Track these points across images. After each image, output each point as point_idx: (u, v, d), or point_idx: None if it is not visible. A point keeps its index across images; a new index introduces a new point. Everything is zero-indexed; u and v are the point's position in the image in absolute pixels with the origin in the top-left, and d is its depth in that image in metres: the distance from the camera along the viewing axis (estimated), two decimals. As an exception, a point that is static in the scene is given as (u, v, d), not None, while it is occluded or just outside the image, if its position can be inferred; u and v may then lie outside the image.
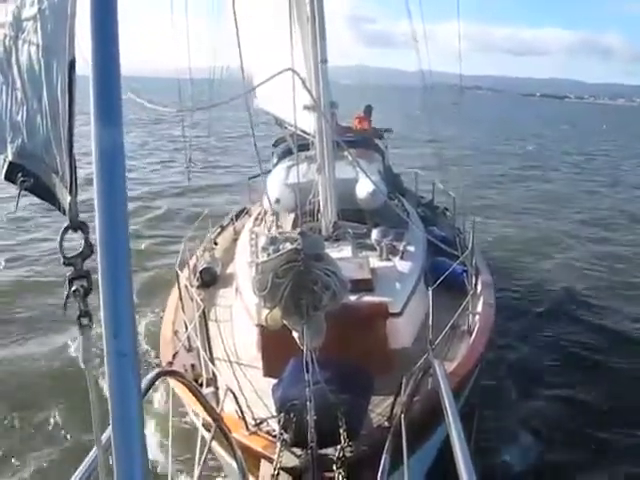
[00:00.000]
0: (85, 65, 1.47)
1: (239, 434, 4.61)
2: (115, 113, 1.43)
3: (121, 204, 1.44)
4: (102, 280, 1.43)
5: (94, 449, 2.33)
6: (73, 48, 1.71)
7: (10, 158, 2.15)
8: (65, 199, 1.81)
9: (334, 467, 4.09)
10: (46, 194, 1.99)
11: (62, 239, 1.73)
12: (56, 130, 1.83)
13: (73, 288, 1.70)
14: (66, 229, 1.74)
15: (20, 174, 2.02)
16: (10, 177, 2.14)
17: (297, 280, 4.20)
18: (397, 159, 16.33)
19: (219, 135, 30.63)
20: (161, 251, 14.69)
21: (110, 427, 1.47)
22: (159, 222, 18.37)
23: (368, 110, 13.17)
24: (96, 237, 1.44)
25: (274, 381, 5.01)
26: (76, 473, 2.43)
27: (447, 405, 2.94)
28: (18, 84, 2.00)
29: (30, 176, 2.02)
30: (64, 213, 1.82)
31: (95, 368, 1.92)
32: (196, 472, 4.03)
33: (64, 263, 1.70)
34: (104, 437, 1.96)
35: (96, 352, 1.84)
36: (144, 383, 3.30)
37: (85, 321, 1.71)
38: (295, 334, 4.42)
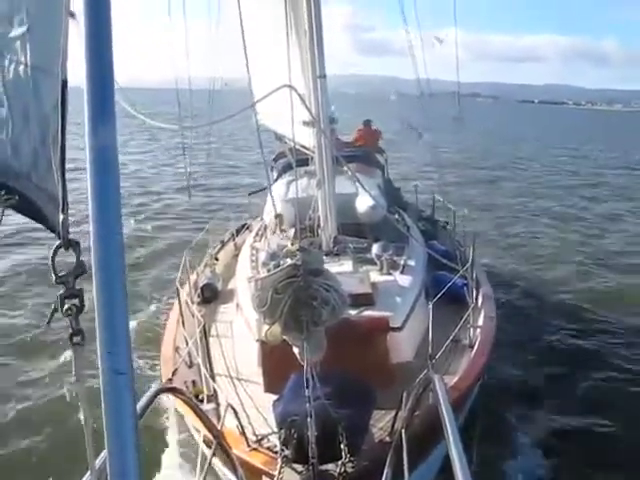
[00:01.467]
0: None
1: (240, 450, 4.59)
2: (108, 120, 1.43)
3: (116, 215, 1.44)
4: (97, 295, 1.42)
5: (87, 474, 2.27)
6: (66, 68, 1.71)
7: None
8: (56, 218, 1.80)
9: None
10: (33, 212, 1.98)
11: (54, 258, 1.72)
12: (45, 149, 1.83)
13: (66, 307, 1.69)
14: (58, 248, 1.73)
15: (4, 192, 2.01)
16: None
17: (296, 296, 4.19)
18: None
19: (219, 149, 30.55)
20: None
21: (104, 450, 1.45)
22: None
23: (367, 123, 13.22)
24: (90, 250, 1.43)
25: (275, 397, 4.99)
26: None
27: (447, 421, 2.93)
28: (3, 101, 1.99)
29: (15, 194, 2.00)
30: (54, 232, 1.81)
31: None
32: None
33: (56, 282, 1.70)
34: (98, 461, 1.93)
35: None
36: (143, 400, 3.29)
37: (78, 339, 1.70)
38: (295, 350, 4.40)
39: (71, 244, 1.74)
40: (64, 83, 1.70)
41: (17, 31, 1.88)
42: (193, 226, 16.83)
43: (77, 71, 1.47)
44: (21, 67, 1.88)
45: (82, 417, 1.80)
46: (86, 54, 1.42)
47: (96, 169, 1.42)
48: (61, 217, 1.78)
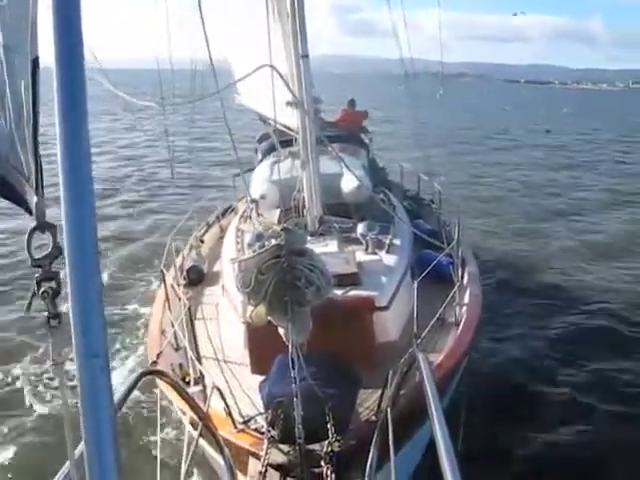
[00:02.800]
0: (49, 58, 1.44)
1: (226, 431, 4.60)
2: (80, 109, 1.41)
3: (88, 201, 1.42)
4: (70, 276, 1.40)
5: (67, 463, 2.25)
6: (36, 45, 1.68)
7: None
8: (32, 200, 1.78)
9: (322, 462, 4.08)
10: (12, 194, 1.95)
11: (30, 240, 1.70)
12: (20, 129, 1.80)
13: (42, 290, 1.67)
14: (33, 230, 1.71)
15: None
16: None
17: (281, 276, 4.18)
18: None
19: (202, 127, 30.56)
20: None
21: (82, 434, 1.43)
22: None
23: (352, 104, 13.16)
24: (63, 233, 1.41)
25: (261, 378, 5.00)
26: None
27: (431, 400, 2.93)
28: None
29: None
30: (31, 214, 1.79)
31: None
32: (183, 470, 4.01)
33: (32, 264, 1.68)
34: (77, 451, 1.91)
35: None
36: (128, 383, 3.28)
37: (54, 323, 1.68)
38: (281, 330, 4.40)
39: (47, 226, 1.71)
40: (35, 62, 1.67)
41: None
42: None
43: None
44: None
45: (61, 402, 1.78)
46: (54, 31, 1.39)
47: (67, 149, 1.40)
48: (35, 199, 1.75)
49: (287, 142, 8.69)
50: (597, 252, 15.77)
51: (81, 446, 1.52)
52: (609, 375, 9.20)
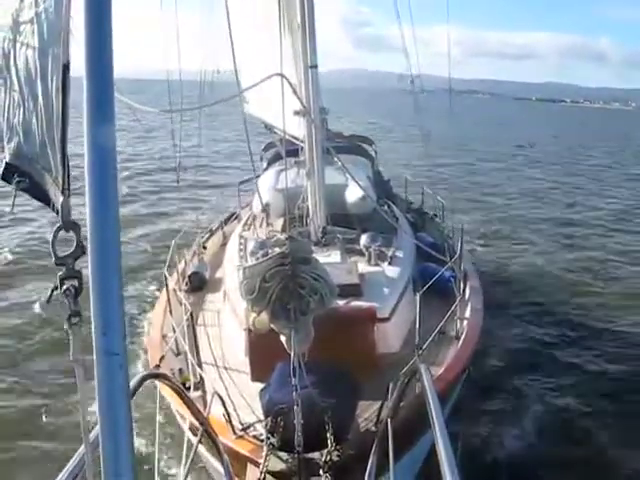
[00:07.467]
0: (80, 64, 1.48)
1: (226, 438, 4.60)
2: (108, 111, 1.45)
3: (112, 202, 1.46)
4: (92, 277, 1.44)
5: (81, 448, 2.31)
6: (68, 51, 1.72)
7: (7, 159, 2.17)
8: (58, 199, 1.83)
9: (321, 471, 4.09)
10: (40, 194, 2.01)
11: (54, 239, 1.74)
12: (50, 131, 1.85)
13: (64, 287, 1.71)
14: (58, 229, 1.75)
15: (16, 174, 2.05)
16: (6, 177, 2.18)
17: (285, 284, 4.20)
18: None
19: (209, 140, 30.65)
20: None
21: (98, 426, 1.47)
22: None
23: None
24: (87, 234, 1.45)
25: (261, 385, 5.01)
26: (62, 473, 2.41)
27: (433, 410, 2.96)
28: (15, 86, 2.03)
29: (25, 176, 2.04)
30: (57, 213, 1.84)
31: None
32: (182, 475, 4.02)
33: (56, 263, 1.72)
34: (92, 436, 1.96)
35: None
36: (131, 385, 3.30)
37: (75, 320, 1.72)
38: (283, 338, 4.42)
39: (72, 226, 1.75)
40: (66, 67, 1.72)
41: (27, 14, 1.90)
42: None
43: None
44: (30, 51, 1.91)
45: (79, 395, 1.83)
46: (86, 52, 1.44)
47: (94, 160, 1.44)
48: (61, 199, 1.80)
49: (293, 152, 8.74)
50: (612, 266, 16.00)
51: (95, 431, 1.57)
52: (612, 386, 9.27)
